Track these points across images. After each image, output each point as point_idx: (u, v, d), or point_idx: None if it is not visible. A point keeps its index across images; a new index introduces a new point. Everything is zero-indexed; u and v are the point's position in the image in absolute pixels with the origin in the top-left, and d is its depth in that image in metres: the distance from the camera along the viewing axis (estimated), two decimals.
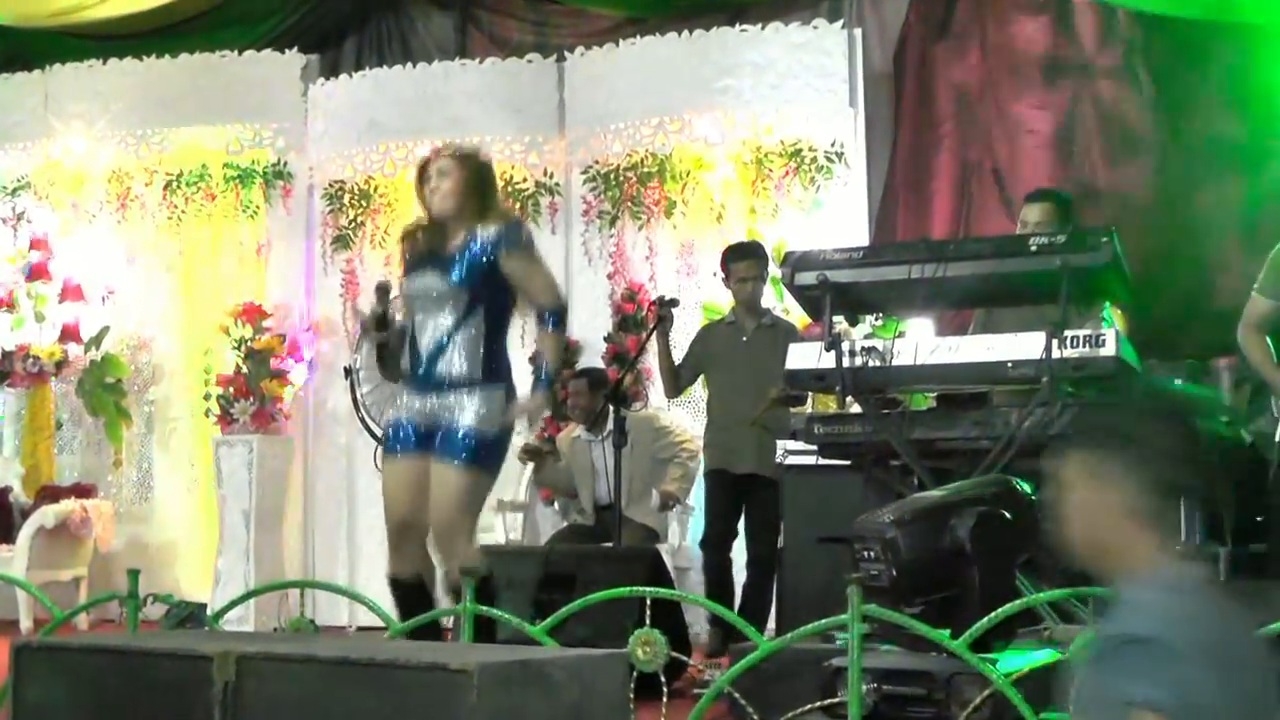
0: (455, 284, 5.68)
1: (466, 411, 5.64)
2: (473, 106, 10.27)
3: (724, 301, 8.66)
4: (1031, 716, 4.37)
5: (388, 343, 5.89)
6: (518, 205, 10.06)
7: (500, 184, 9.99)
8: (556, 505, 9.37)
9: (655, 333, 7.89)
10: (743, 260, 7.93)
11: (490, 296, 5.71)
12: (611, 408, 7.56)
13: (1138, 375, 5.65)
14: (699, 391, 8.78)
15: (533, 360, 7.89)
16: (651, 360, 8.86)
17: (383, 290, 5.97)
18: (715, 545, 7.86)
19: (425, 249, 5.80)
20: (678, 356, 8.08)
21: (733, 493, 7.83)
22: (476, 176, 5.84)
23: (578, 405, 8.72)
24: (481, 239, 5.69)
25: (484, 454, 5.67)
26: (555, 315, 5.76)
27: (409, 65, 10.53)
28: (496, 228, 5.74)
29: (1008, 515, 4.98)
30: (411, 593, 5.79)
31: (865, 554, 4.83)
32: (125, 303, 10.97)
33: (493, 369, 5.70)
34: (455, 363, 5.67)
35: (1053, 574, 5.23)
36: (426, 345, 5.72)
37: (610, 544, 7.63)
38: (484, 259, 5.68)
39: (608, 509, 8.18)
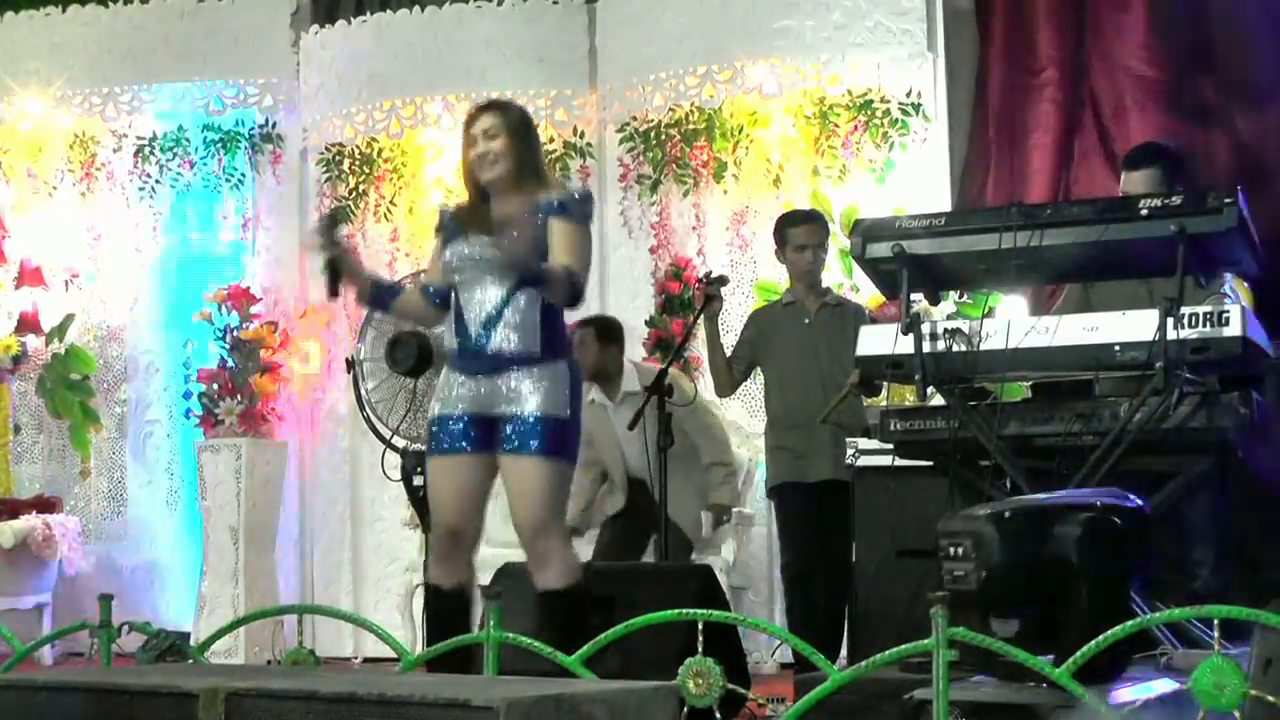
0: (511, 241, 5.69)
1: (532, 395, 5.66)
2: (490, 56, 10.29)
3: (782, 279, 8.64)
4: None
5: (339, 263, 5.85)
6: None
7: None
8: None
9: (703, 317, 7.80)
10: (800, 225, 7.81)
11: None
12: (657, 401, 7.52)
13: (1268, 358, 5.63)
14: (753, 387, 8.76)
15: None
16: (700, 348, 8.84)
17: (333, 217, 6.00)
18: (803, 576, 7.70)
19: (470, 216, 5.82)
20: (729, 345, 7.99)
21: (811, 507, 7.66)
22: (526, 133, 5.87)
23: (584, 361, 8.21)
24: (543, 204, 5.71)
25: (561, 440, 5.69)
26: (573, 280, 5.71)
27: (416, 9, 10.54)
28: (560, 193, 5.78)
29: (1121, 524, 4.97)
30: (451, 604, 5.82)
31: (952, 551, 4.82)
32: (92, 288, 11.01)
33: (552, 343, 5.72)
34: (510, 337, 5.67)
35: (1173, 592, 5.22)
36: (475, 318, 5.73)
37: (638, 559, 7.64)
38: (540, 228, 5.70)
39: (640, 485, 8.16)
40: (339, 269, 5.81)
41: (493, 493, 5.87)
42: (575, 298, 5.75)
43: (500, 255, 5.62)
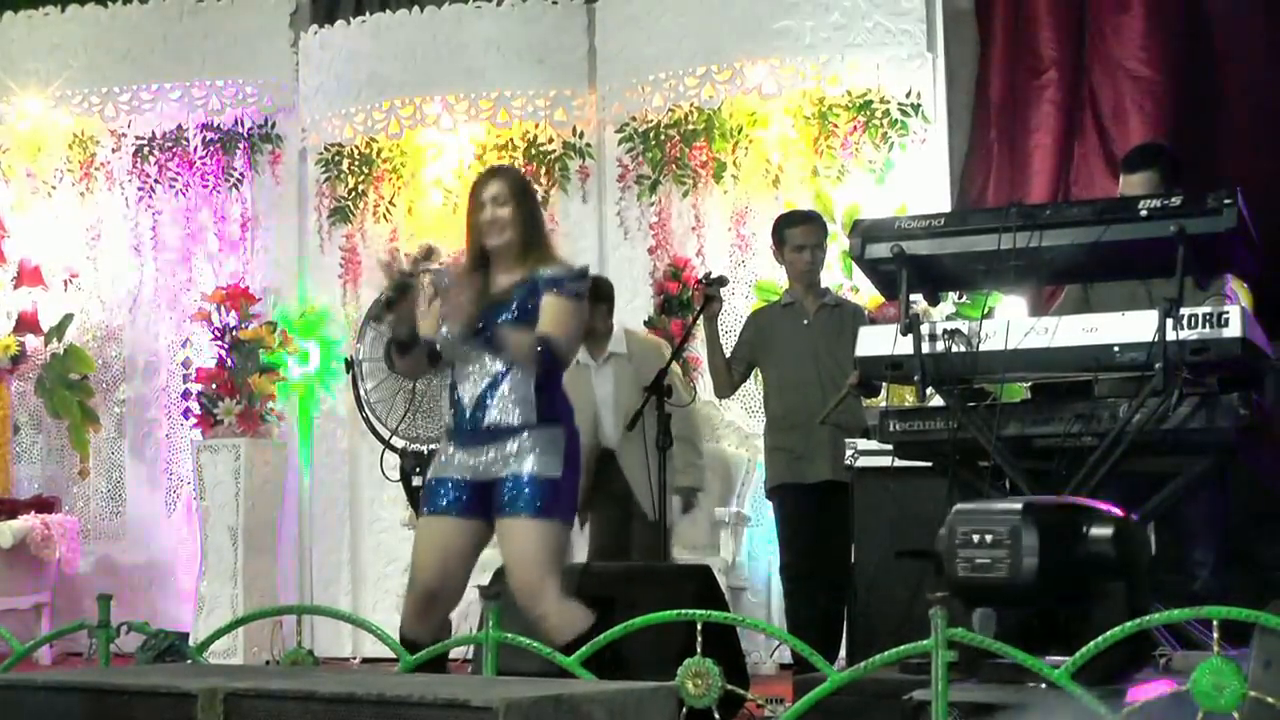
0: (508, 324, 5.70)
1: (526, 458, 5.67)
2: (490, 56, 10.28)
3: (781, 280, 8.63)
4: None
5: (407, 338, 5.85)
6: (542, 170, 10.08)
7: (523, 146, 10.09)
8: None
9: (702, 318, 7.77)
10: (798, 225, 7.81)
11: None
12: (657, 402, 7.50)
13: (1268, 359, 5.62)
14: (753, 387, 8.75)
15: None
16: (699, 348, 8.83)
17: (426, 254, 5.91)
18: (802, 577, 7.71)
19: (468, 284, 5.83)
20: (728, 346, 7.97)
21: (810, 509, 7.66)
22: (531, 200, 5.94)
23: None
24: (544, 278, 5.75)
25: (555, 501, 5.70)
26: (550, 349, 5.70)
27: (415, 9, 10.53)
28: (560, 270, 5.80)
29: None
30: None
31: (980, 539, 4.83)
32: (90, 287, 11.02)
33: (549, 410, 5.74)
34: (506, 410, 5.69)
35: (1173, 593, 5.22)
36: (471, 391, 5.75)
37: (630, 560, 7.61)
38: (538, 300, 5.74)
39: (609, 457, 8.05)
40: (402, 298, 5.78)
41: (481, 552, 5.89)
42: (550, 365, 5.74)
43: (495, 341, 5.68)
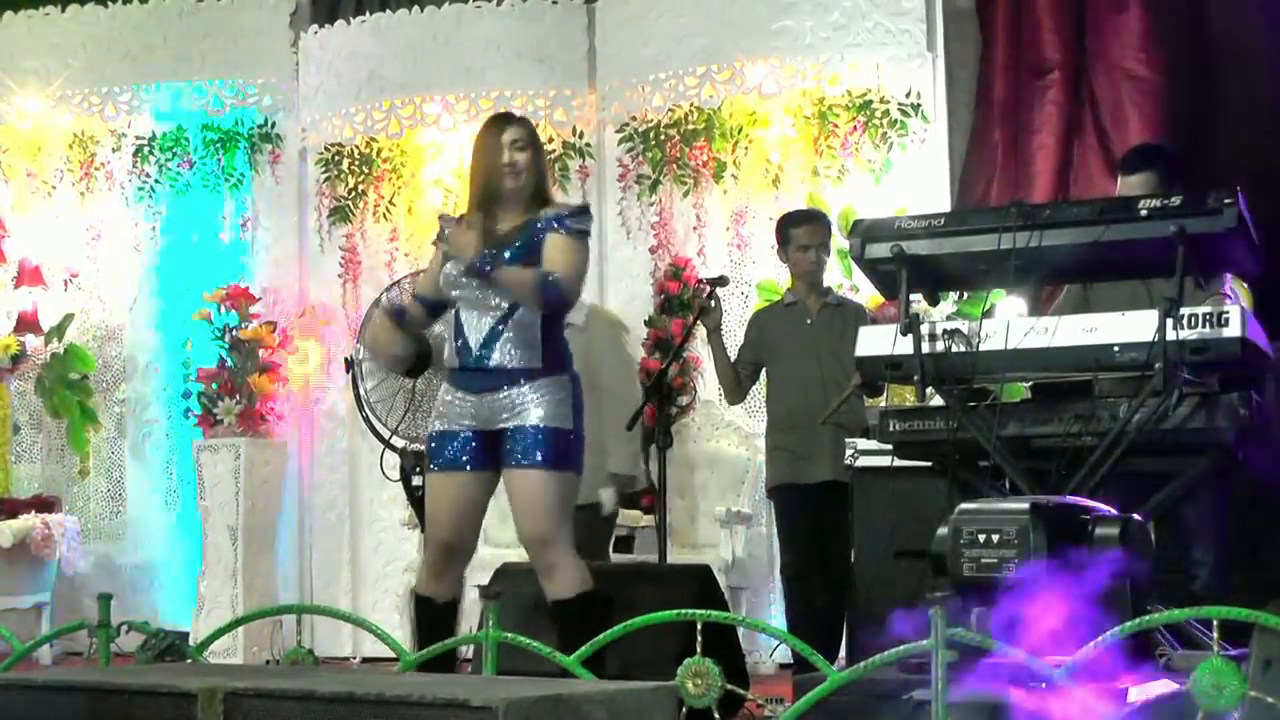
0: (511, 264, 5.71)
1: (535, 407, 5.68)
2: (490, 55, 10.28)
3: (782, 280, 8.63)
4: None
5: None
6: None
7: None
8: None
9: (704, 326, 7.67)
10: (803, 225, 7.80)
11: None
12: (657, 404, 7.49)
13: (1267, 359, 5.62)
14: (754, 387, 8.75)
15: None
16: (699, 348, 8.83)
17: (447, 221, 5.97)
18: (802, 576, 7.70)
19: (470, 227, 5.84)
20: (731, 353, 7.89)
21: (811, 509, 7.64)
22: (541, 150, 5.98)
23: None
24: (545, 220, 5.78)
25: (565, 452, 5.72)
26: (556, 286, 5.71)
27: (415, 9, 10.53)
28: (561, 209, 5.85)
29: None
30: (439, 616, 5.84)
31: (986, 539, 4.84)
32: (91, 287, 11.02)
33: (553, 357, 5.75)
34: (511, 352, 5.70)
35: (1173, 593, 5.22)
36: (476, 333, 5.75)
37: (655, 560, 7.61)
38: (541, 241, 5.75)
39: None
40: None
41: (491, 500, 5.90)
42: (557, 302, 5.77)
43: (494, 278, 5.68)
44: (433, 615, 5.85)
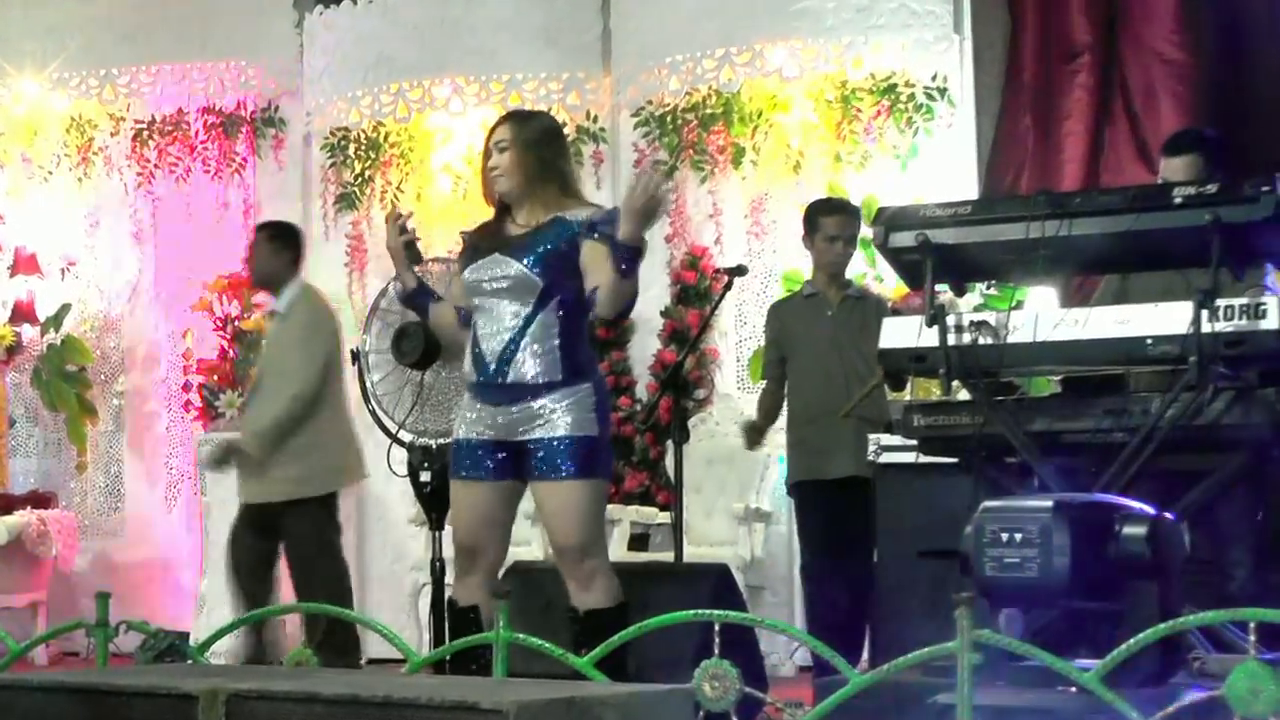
0: (527, 270, 5.69)
1: (559, 417, 5.68)
2: (501, 37, 10.28)
3: (805, 269, 8.61)
4: None
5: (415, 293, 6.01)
6: None
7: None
8: None
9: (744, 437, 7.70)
10: (834, 215, 7.77)
11: (568, 286, 5.73)
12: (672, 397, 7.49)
13: None
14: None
15: None
16: (716, 340, 8.82)
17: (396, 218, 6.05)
18: (823, 576, 7.70)
19: (488, 234, 5.85)
20: (749, 345, 7.85)
21: (832, 505, 7.64)
22: (539, 141, 5.89)
23: (254, 264, 8.44)
24: (578, 223, 5.76)
25: (593, 459, 5.72)
26: (631, 254, 5.71)
27: None
28: (595, 212, 5.83)
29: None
30: (459, 619, 5.87)
31: (1009, 538, 4.83)
32: (89, 276, 11.03)
33: (574, 366, 5.74)
34: (531, 365, 5.69)
35: (1208, 595, 5.20)
36: (492, 349, 5.74)
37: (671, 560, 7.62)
38: (564, 245, 5.73)
39: None
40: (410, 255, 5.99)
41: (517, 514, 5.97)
42: (628, 311, 5.88)
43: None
44: (454, 617, 5.89)
